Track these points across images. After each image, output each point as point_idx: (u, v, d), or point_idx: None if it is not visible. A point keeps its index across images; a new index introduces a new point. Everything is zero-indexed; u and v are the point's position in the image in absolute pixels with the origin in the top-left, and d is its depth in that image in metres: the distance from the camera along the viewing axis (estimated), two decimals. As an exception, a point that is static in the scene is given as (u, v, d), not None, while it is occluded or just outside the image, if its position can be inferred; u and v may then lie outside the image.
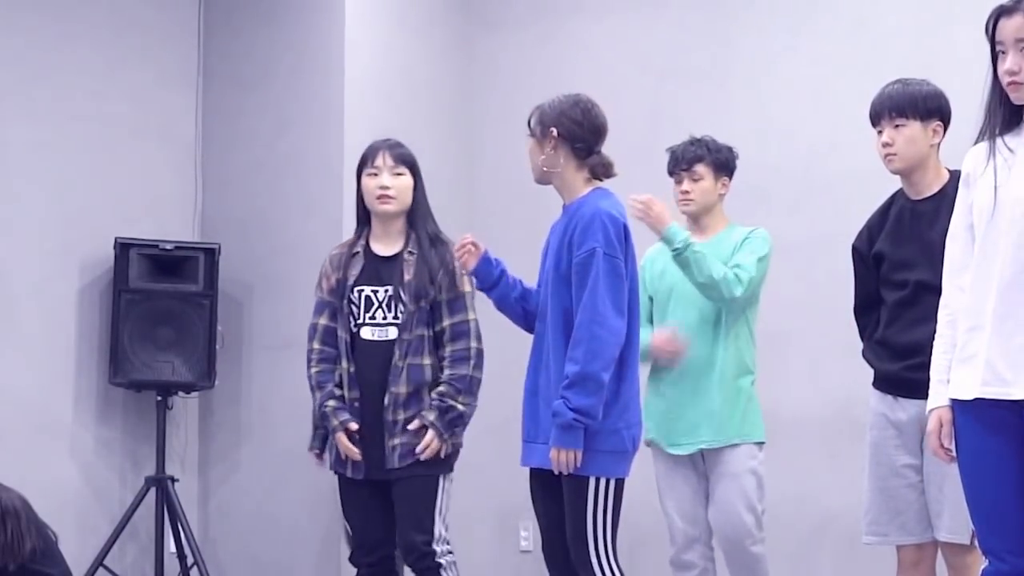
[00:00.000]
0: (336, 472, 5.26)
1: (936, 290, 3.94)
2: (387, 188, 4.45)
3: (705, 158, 4.77)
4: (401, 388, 4.40)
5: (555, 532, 4.01)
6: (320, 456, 5.45)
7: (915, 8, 5.64)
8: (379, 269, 4.47)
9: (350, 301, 4.47)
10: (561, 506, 3.95)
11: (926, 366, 3.91)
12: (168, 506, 6.04)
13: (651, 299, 4.81)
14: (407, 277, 4.40)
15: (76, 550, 5.89)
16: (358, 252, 4.53)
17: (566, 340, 3.88)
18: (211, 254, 6.24)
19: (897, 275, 4.16)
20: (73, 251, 6.12)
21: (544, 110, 4.01)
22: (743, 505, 4.58)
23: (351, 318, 4.47)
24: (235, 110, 6.56)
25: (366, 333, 4.44)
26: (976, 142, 3.38)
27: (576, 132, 3.97)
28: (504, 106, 6.44)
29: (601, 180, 4.04)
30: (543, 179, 4.04)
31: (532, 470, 4.05)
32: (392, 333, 4.41)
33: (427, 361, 4.45)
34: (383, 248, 4.50)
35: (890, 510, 4.14)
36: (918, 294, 4.07)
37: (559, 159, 3.98)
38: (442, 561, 4.39)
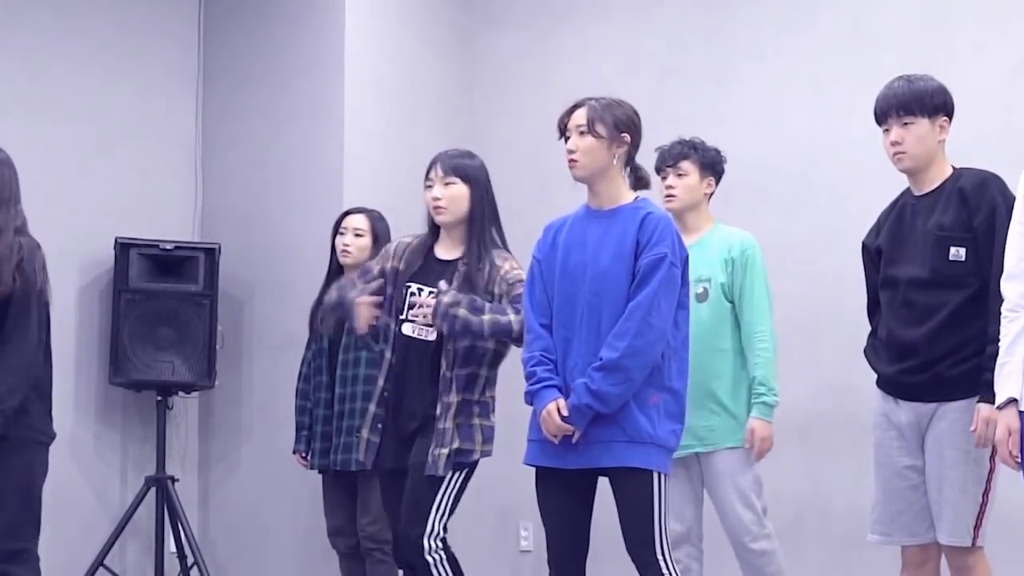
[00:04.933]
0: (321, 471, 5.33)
1: (927, 286, 3.98)
2: (438, 199, 4.49)
3: (691, 156, 4.82)
4: (452, 398, 4.35)
5: (568, 533, 3.99)
6: (305, 458, 5.48)
7: (914, 7, 5.64)
8: (433, 271, 4.49)
9: (400, 295, 4.48)
10: (575, 506, 3.94)
11: (923, 368, 3.97)
12: (168, 506, 6.04)
13: None
14: (453, 285, 4.40)
15: (76, 550, 5.90)
16: (421, 250, 4.55)
17: None
18: (211, 254, 6.23)
19: (891, 271, 4.16)
20: (73, 251, 6.11)
21: (615, 113, 4.00)
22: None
23: (397, 312, 4.48)
24: (235, 110, 6.56)
25: (406, 329, 4.44)
26: None
27: (638, 142, 4.05)
28: (505, 105, 6.44)
29: (639, 190, 4.09)
30: (591, 179, 4.00)
31: (541, 469, 4.00)
32: (432, 335, 4.41)
33: (483, 372, 4.40)
34: (444, 253, 4.53)
35: (892, 510, 4.13)
36: (910, 293, 4.07)
37: (621, 164, 4.02)
38: (428, 558, 4.35)
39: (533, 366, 3.97)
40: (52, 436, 4.48)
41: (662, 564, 3.84)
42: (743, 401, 4.69)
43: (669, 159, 4.82)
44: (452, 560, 4.39)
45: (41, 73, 6.13)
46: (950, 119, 4.12)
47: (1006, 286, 3.53)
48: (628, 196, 4.03)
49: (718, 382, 4.67)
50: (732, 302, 4.71)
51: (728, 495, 4.63)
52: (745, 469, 4.65)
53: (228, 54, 6.60)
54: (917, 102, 4.08)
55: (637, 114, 4.05)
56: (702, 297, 4.71)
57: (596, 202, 4.04)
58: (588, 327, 3.92)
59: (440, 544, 4.36)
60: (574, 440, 3.88)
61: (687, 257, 3.98)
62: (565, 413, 3.86)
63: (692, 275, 4.64)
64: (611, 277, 3.90)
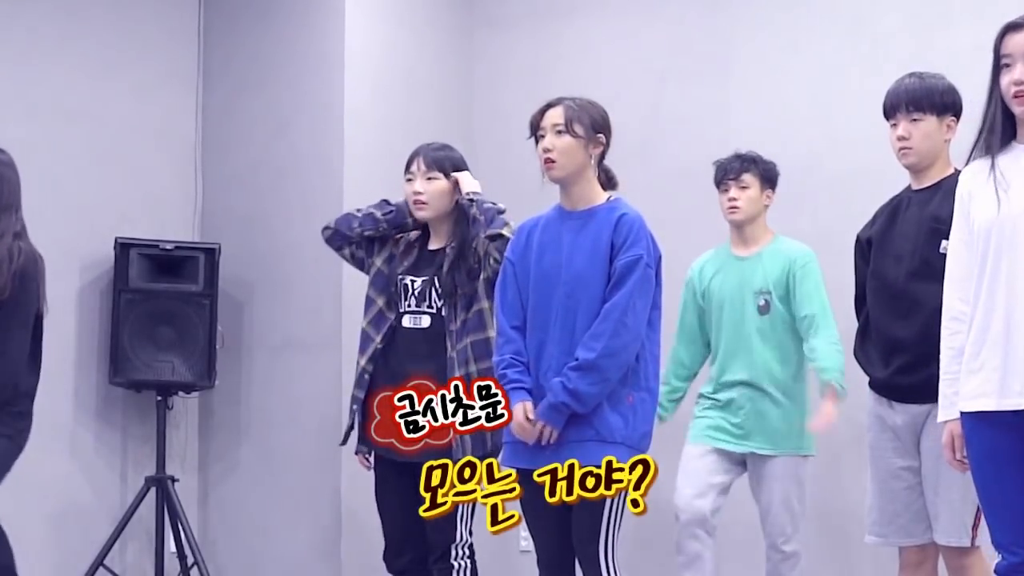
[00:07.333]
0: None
1: (915, 277, 3.99)
2: (420, 194, 4.52)
3: (752, 169, 4.93)
4: (469, 368, 4.36)
5: (551, 535, 3.99)
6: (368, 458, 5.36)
7: (915, 7, 5.64)
8: (423, 261, 4.54)
9: (395, 290, 4.49)
10: (554, 506, 3.93)
11: (915, 368, 3.97)
12: (168, 506, 6.04)
13: (701, 309, 4.96)
14: (444, 270, 4.43)
15: (76, 550, 5.90)
16: (415, 245, 4.57)
17: None
18: (211, 254, 6.24)
19: (880, 261, 4.17)
20: (73, 251, 6.11)
21: (591, 113, 4.02)
22: None
23: (395, 306, 4.49)
24: (235, 110, 6.56)
25: (406, 321, 4.47)
26: (970, 157, 3.41)
27: (610, 142, 4.06)
28: (505, 105, 6.44)
29: (608, 191, 4.09)
30: (567, 179, 4.01)
31: (520, 471, 4.01)
32: (425, 321, 4.44)
33: (493, 334, 4.35)
34: (434, 243, 4.58)
35: (889, 512, 4.14)
36: (899, 284, 4.08)
37: (596, 164, 4.03)
38: (454, 564, 4.37)
39: (504, 369, 3.99)
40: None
41: (602, 562, 3.86)
42: (801, 409, 4.78)
43: (731, 173, 4.91)
44: (474, 571, 4.41)
45: (41, 73, 6.12)
46: (958, 119, 4.15)
47: (947, 291, 3.50)
48: (601, 196, 4.04)
49: (776, 390, 4.77)
50: (793, 316, 4.79)
51: (774, 497, 4.73)
52: (795, 474, 4.76)
53: (228, 54, 6.60)
54: (927, 99, 4.11)
55: (607, 115, 4.06)
56: (764, 310, 4.81)
57: (570, 203, 4.04)
58: (562, 329, 3.93)
59: (467, 552, 4.39)
60: (552, 440, 3.89)
61: (660, 257, 4.00)
62: (531, 416, 3.87)
63: (752, 287, 4.81)
64: (586, 279, 3.91)
